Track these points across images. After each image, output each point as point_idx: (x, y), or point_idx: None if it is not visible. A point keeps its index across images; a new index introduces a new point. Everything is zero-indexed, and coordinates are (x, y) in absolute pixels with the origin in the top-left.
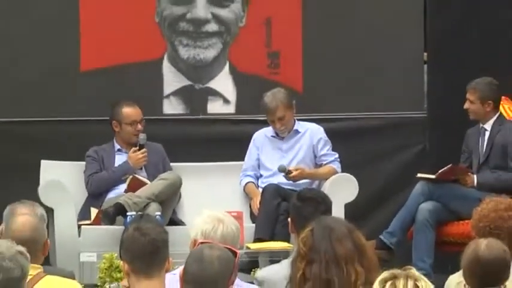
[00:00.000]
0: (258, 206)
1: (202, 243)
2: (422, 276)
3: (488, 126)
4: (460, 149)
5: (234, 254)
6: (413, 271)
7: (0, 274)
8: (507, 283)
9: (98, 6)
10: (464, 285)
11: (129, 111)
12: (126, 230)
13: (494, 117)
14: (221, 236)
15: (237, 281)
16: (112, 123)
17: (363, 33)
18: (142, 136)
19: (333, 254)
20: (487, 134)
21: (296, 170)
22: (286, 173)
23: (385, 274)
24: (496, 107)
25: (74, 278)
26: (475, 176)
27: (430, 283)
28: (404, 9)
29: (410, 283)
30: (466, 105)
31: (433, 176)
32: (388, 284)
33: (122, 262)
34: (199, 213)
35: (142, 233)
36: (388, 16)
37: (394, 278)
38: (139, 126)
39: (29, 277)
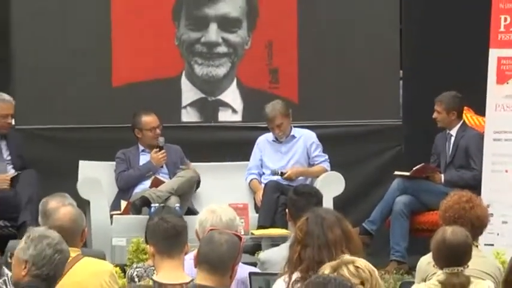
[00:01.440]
0: (261, 199)
1: (211, 229)
2: (356, 258)
3: (453, 132)
4: (430, 151)
5: (240, 238)
6: (346, 257)
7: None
8: (469, 263)
9: (126, 33)
10: (433, 265)
11: (148, 119)
12: (152, 219)
13: (458, 125)
14: (210, 225)
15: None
16: (134, 130)
17: (348, 54)
18: (161, 139)
19: (324, 239)
20: (453, 139)
21: (287, 171)
22: (280, 174)
23: (327, 270)
24: (460, 116)
25: (104, 256)
26: (442, 175)
27: (365, 260)
28: (382, 35)
29: (350, 267)
30: (434, 115)
31: (407, 174)
32: (335, 275)
33: (148, 246)
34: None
35: (166, 221)
36: (369, 40)
37: (336, 269)
38: (158, 131)
39: (70, 258)
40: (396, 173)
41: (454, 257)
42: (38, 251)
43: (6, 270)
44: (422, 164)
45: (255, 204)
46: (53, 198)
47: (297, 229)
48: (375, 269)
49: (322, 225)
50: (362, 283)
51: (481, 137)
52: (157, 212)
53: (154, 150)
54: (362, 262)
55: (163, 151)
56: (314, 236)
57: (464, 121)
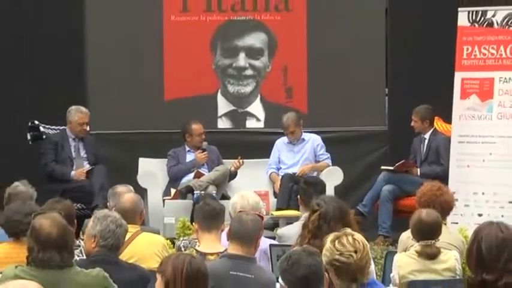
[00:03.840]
0: (279, 187)
1: (240, 211)
2: (354, 232)
3: (427, 136)
4: (409, 151)
5: (261, 218)
6: (348, 230)
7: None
8: (439, 237)
9: (175, 59)
10: (412, 239)
11: (197, 127)
12: (198, 202)
13: (431, 131)
14: (240, 207)
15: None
16: (185, 135)
17: (346, 76)
18: (205, 143)
19: (329, 233)
20: (426, 141)
21: (298, 171)
22: (294, 174)
23: (331, 236)
24: (432, 124)
25: (158, 231)
26: (418, 169)
27: (360, 235)
28: (372, 64)
29: (349, 237)
30: (412, 124)
31: (391, 168)
32: (336, 242)
33: (194, 223)
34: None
35: (207, 204)
36: (361, 67)
37: (338, 237)
38: (203, 136)
39: (131, 233)
40: (383, 167)
41: (428, 232)
42: (104, 227)
43: (81, 242)
44: (403, 160)
45: (274, 191)
46: (119, 187)
47: (310, 222)
48: (368, 244)
49: (329, 222)
50: (355, 251)
51: (448, 140)
52: (198, 197)
53: (199, 151)
54: (359, 236)
55: (205, 152)
56: (322, 231)
57: (435, 127)
